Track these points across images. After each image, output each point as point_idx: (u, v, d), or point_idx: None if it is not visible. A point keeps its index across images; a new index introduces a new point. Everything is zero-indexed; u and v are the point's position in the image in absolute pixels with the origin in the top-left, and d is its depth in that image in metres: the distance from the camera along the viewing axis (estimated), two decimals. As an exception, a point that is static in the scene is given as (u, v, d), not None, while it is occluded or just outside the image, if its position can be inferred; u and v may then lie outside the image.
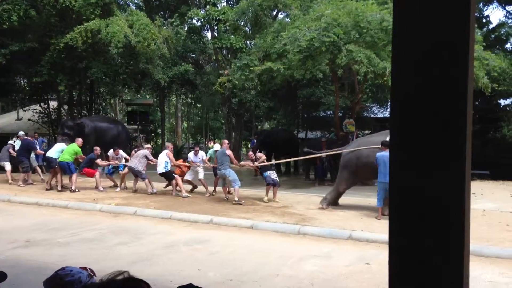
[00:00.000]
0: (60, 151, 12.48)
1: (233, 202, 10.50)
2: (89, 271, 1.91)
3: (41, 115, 21.14)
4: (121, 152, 13.21)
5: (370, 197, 10.84)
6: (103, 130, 16.31)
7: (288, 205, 10.38)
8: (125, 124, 21.56)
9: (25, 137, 13.94)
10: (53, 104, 21.53)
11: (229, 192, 11.36)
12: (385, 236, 7.17)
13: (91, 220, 8.88)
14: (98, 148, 12.95)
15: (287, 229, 8.06)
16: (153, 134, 30.32)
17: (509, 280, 5.53)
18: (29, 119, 21.41)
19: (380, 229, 7.80)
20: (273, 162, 16.49)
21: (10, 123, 24.69)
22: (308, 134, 23.89)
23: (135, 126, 23.31)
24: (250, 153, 12.18)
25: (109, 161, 13.20)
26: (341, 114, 18.38)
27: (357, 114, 17.69)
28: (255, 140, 18.66)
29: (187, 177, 11.91)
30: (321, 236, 7.67)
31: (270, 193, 10.90)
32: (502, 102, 18.36)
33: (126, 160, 13.04)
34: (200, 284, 1.57)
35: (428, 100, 1.02)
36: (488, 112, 17.15)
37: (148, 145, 13.09)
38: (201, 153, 12.20)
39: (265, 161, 11.28)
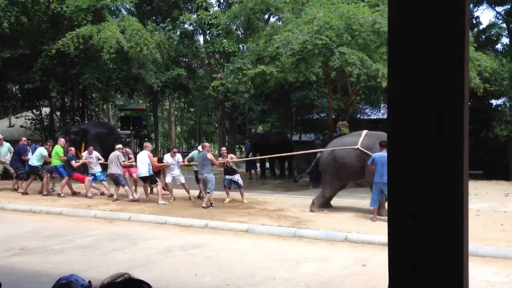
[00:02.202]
0: (39, 157, 12.49)
1: (202, 207, 10.38)
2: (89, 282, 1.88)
3: (33, 121, 21.03)
4: (94, 152, 12.80)
5: (364, 199, 10.86)
6: (105, 136, 16.27)
7: (284, 208, 10.37)
8: (119, 130, 21.59)
9: None
10: (46, 110, 21.44)
11: (199, 197, 11.65)
12: (380, 237, 7.19)
13: (85, 227, 8.83)
14: (72, 148, 12.79)
15: (283, 232, 8.06)
16: (146, 139, 30.24)
17: (505, 279, 5.56)
18: (21, 126, 21.30)
19: (376, 230, 7.82)
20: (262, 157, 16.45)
21: (2, 130, 24.53)
22: (302, 136, 23.89)
23: (128, 131, 23.25)
24: (223, 148, 12.20)
25: (83, 161, 12.71)
26: (334, 116, 18.40)
27: (350, 116, 17.72)
28: (248, 143, 18.65)
29: (167, 180, 11.73)
30: (317, 238, 7.67)
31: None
32: (494, 102, 18.47)
33: (99, 159, 12.79)
34: None
35: (424, 101, 1.02)
36: (480, 112, 17.25)
37: (119, 145, 12.50)
38: (178, 155, 12.08)
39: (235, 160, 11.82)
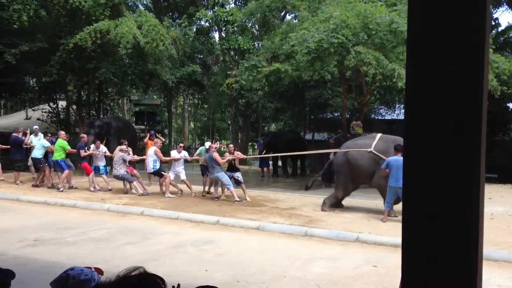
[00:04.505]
0: (40, 148, 12.56)
1: (235, 201, 10.66)
2: (93, 269, 1.90)
3: (50, 114, 21.30)
4: (102, 146, 13.01)
5: (376, 199, 10.79)
6: (123, 130, 16.45)
7: (295, 206, 10.37)
8: (133, 124, 21.80)
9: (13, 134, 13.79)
10: (62, 103, 21.69)
11: (208, 192, 11.84)
12: (392, 238, 7.15)
13: (99, 220, 8.93)
14: (84, 136, 13.01)
15: (294, 230, 8.05)
16: (160, 134, 30.41)
17: (518, 285, 5.50)
18: (38, 119, 21.55)
19: (388, 231, 7.78)
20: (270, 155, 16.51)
21: (19, 122, 24.85)
22: (315, 135, 23.83)
23: (143, 127, 23.40)
24: (231, 146, 12.75)
25: (90, 154, 12.69)
26: (348, 116, 18.32)
27: (364, 116, 17.62)
28: (261, 141, 18.66)
29: (171, 178, 11.84)
30: (328, 238, 7.65)
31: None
32: (511, 105, 18.22)
33: (106, 154, 12.93)
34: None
35: (442, 104, 1.01)
36: (497, 115, 17.03)
37: (123, 146, 12.34)
38: (184, 152, 12.42)
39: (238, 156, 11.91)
